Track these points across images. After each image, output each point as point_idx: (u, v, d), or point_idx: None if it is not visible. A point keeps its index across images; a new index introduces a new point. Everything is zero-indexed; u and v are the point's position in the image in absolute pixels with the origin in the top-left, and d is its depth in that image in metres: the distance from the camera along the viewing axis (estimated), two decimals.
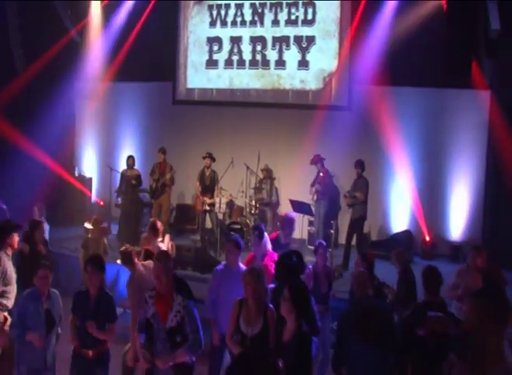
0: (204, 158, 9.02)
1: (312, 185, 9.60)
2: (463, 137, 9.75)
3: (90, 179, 11.72)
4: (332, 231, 9.67)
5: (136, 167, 9.65)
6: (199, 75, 11.11)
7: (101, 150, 11.85)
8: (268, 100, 10.65)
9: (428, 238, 9.75)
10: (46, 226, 7.35)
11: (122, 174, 9.57)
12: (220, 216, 9.54)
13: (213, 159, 9.06)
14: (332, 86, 10.30)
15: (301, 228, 10.26)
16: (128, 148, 11.41)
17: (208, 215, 8.95)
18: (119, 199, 10.11)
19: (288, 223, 6.53)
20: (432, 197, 9.89)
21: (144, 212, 9.93)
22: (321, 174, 9.09)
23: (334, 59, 10.22)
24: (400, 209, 10.12)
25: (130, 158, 9.56)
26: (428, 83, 9.60)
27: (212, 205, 8.91)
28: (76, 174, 11.42)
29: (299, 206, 8.50)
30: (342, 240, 10.10)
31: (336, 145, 10.14)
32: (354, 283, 4.73)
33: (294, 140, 10.54)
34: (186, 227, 10.81)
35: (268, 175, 10.27)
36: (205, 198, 8.85)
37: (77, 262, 7.69)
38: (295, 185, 10.46)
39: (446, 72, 9.08)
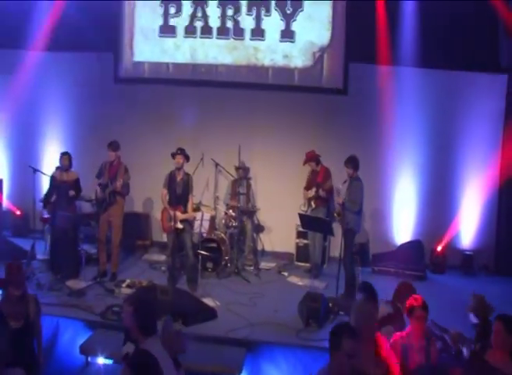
0: (173, 155, 6.38)
1: (307, 189, 7.39)
2: (476, 128, 7.97)
3: (1, 181, 8.53)
4: (326, 243, 7.67)
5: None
6: (150, 45, 8.30)
7: (17, 142, 8.67)
8: (242, 79, 8.17)
9: (439, 248, 7.95)
10: None
11: (53, 179, 6.67)
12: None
13: (187, 158, 6.45)
14: (323, 63, 8.05)
15: (288, 240, 8.11)
16: (55, 141, 8.41)
17: (180, 235, 6.37)
18: (45, 212, 7.22)
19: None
20: (440, 200, 8.08)
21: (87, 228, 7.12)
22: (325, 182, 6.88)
23: (326, 31, 7.94)
24: (403, 215, 8.18)
25: (65, 157, 6.66)
26: (438, 64, 7.68)
27: (186, 221, 6.34)
28: None
29: (314, 223, 6.13)
30: (333, 252, 8.10)
31: (328, 137, 8.06)
32: None
33: (275, 130, 8.22)
34: (136, 243, 8.14)
35: (245, 175, 7.89)
36: (177, 212, 6.25)
37: None
38: (277, 187, 8.19)
39: (462, 52, 7.38)
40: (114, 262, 6.65)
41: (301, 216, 6.28)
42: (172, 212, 6.25)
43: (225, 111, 8.27)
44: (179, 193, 6.29)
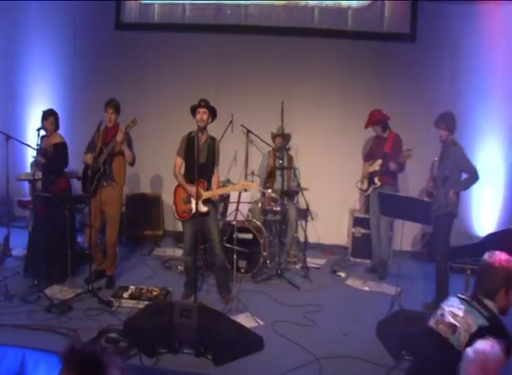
0: (194, 109, 4.31)
1: (366, 160, 5.46)
2: None
3: None
4: (391, 233, 5.69)
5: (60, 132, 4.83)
6: None
7: None
8: (280, 23, 6.19)
9: None
10: None
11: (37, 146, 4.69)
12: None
13: (213, 114, 4.42)
14: (384, 2, 6.03)
15: (340, 229, 6.19)
16: (39, 101, 6.45)
17: (202, 223, 4.39)
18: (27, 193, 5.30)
19: None
20: None
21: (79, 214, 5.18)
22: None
23: None
24: (487, 197, 6.18)
25: (49, 116, 4.69)
26: None
27: (211, 202, 4.36)
28: None
29: (402, 207, 3.94)
30: (397, 245, 6.13)
31: (390, 95, 6.06)
32: None
33: (322, 87, 6.26)
34: (144, 234, 6.21)
35: (284, 144, 5.86)
36: (199, 189, 4.27)
37: None
38: (324, 160, 6.26)
39: None
40: (110, 263, 4.71)
41: (383, 196, 4.24)
42: (188, 191, 4.27)
43: (256, 64, 6.31)
44: (202, 162, 4.27)
